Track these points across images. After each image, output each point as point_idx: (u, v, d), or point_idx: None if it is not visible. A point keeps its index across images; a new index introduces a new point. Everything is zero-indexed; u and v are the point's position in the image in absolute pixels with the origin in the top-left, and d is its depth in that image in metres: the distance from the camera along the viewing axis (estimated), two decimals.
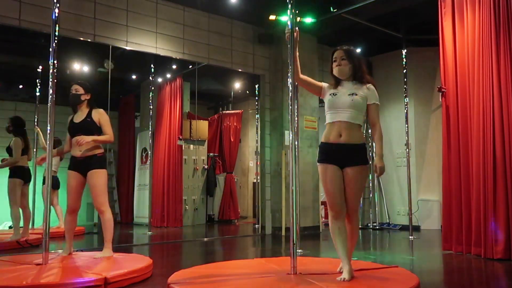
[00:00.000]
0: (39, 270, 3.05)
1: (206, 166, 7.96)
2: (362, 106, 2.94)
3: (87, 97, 3.87)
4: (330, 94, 2.98)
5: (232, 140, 8.66)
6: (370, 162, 3.09)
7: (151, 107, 6.94)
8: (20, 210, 5.18)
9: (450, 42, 4.53)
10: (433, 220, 6.87)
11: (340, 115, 2.91)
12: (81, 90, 3.85)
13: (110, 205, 8.17)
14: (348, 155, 2.90)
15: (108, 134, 3.82)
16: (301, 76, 3.07)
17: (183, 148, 7.54)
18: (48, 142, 3.46)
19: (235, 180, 8.72)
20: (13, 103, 6.70)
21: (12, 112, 6.56)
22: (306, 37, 6.54)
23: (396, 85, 7.21)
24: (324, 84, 3.08)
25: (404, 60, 6.20)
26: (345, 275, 2.76)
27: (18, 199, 5.09)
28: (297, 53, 3.07)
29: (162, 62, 6.89)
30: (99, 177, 3.75)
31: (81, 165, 3.75)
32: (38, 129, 5.71)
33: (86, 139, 3.64)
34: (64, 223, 3.90)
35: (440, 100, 4.63)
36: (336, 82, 3.02)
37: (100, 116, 3.83)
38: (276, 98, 6.71)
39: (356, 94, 2.92)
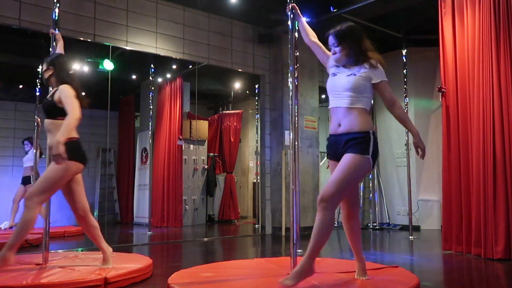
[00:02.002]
0: (39, 270, 3.05)
1: (206, 166, 7.96)
2: (363, 88, 2.61)
3: (50, 72, 3.21)
4: (331, 74, 2.74)
5: (232, 140, 8.66)
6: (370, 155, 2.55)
7: (151, 107, 6.94)
8: None
9: (450, 42, 4.53)
10: (433, 220, 6.87)
11: (338, 101, 2.64)
12: (44, 67, 3.24)
13: (109, 205, 8.22)
14: (345, 147, 2.58)
15: (69, 111, 2.98)
16: (312, 38, 2.99)
17: (183, 148, 7.54)
18: (48, 142, 3.45)
19: (235, 180, 8.72)
20: (13, 103, 6.70)
21: (12, 112, 6.57)
22: None
23: (396, 85, 7.18)
24: (331, 56, 2.81)
25: (404, 60, 6.19)
26: (365, 274, 2.82)
27: None
28: (304, 20, 3.05)
29: (162, 62, 6.89)
30: (49, 168, 3.03)
31: None
32: (39, 120, 5.69)
33: (56, 148, 2.80)
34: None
35: (440, 100, 4.63)
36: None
37: (60, 93, 3.08)
38: (276, 98, 6.70)
39: (354, 74, 2.61)
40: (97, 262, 3.30)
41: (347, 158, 2.53)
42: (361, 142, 2.54)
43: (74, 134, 3.11)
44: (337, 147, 2.64)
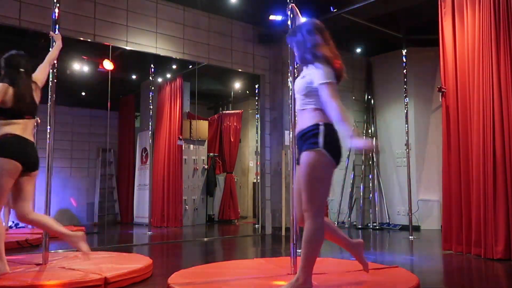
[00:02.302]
0: (39, 270, 3.05)
1: (206, 166, 7.96)
2: (310, 90, 2.47)
3: (2, 71, 3.18)
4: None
5: (232, 140, 8.65)
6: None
7: (151, 107, 6.94)
8: None
9: (450, 42, 4.53)
10: (433, 220, 6.87)
11: (297, 103, 2.60)
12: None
13: (110, 205, 8.23)
14: (300, 146, 2.51)
15: None
16: None
17: (183, 148, 7.54)
18: (48, 142, 3.46)
19: (235, 180, 8.72)
20: None
21: None
22: None
23: (396, 85, 7.20)
24: None
25: (404, 60, 6.19)
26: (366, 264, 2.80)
27: None
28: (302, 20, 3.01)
29: (162, 62, 6.89)
30: None
31: None
32: (38, 120, 5.68)
33: None
34: None
35: (440, 100, 4.63)
36: None
37: None
38: (276, 98, 6.70)
39: (304, 77, 2.53)
40: (98, 262, 3.31)
41: (301, 159, 2.43)
42: (310, 136, 2.40)
43: (11, 130, 2.98)
44: (298, 150, 2.54)
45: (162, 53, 5.78)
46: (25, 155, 3.00)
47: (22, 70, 3.17)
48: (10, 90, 3.00)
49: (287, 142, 6.33)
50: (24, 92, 3.09)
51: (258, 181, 7.01)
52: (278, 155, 6.52)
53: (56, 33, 3.58)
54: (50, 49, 3.56)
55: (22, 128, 3.03)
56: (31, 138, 3.09)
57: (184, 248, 5.25)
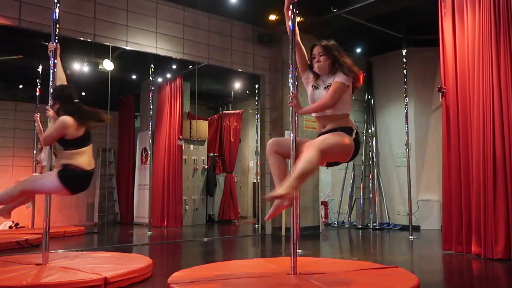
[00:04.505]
0: (39, 270, 3.05)
1: (206, 166, 7.96)
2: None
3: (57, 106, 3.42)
4: (312, 86, 3.00)
5: (232, 140, 8.65)
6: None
7: (151, 107, 6.93)
8: None
9: (450, 42, 4.53)
10: (433, 220, 6.87)
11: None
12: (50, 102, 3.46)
13: (109, 205, 8.22)
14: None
15: None
16: (297, 37, 3.09)
17: (183, 148, 7.54)
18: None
19: (235, 180, 8.72)
20: (13, 103, 6.71)
21: (12, 112, 6.58)
22: (306, 37, 6.53)
23: (396, 85, 7.21)
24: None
25: (404, 60, 6.19)
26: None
27: None
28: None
29: (162, 62, 6.89)
30: None
31: None
32: (38, 116, 5.69)
33: None
34: None
35: (440, 100, 4.63)
36: (317, 76, 3.01)
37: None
38: (276, 98, 6.70)
39: (329, 86, 2.89)
40: (98, 262, 3.30)
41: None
42: (341, 129, 2.90)
43: (78, 163, 3.28)
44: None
45: (162, 53, 5.78)
46: (82, 188, 3.35)
47: (76, 101, 3.38)
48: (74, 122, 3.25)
49: None
50: (88, 121, 3.36)
51: (258, 181, 7.01)
52: None
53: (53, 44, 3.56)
54: (49, 52, 3.57)
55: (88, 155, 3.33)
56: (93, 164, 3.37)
57: (184, 248, 5.25)
